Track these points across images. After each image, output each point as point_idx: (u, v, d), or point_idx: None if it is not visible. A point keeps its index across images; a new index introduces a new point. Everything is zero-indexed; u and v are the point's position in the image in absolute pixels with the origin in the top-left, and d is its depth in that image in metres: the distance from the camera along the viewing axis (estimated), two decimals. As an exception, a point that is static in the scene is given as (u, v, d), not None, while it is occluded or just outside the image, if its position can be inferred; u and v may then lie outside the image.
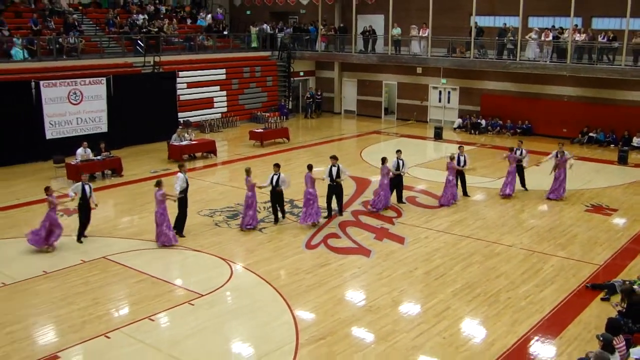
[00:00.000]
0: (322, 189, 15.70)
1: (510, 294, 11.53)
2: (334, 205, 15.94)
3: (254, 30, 32.57)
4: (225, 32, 32.11)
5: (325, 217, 15.63)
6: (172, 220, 14.16)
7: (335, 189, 15.69)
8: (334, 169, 15.53)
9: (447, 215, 16.17)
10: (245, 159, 22.77)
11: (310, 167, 15.39)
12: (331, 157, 15.77)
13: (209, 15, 32.24)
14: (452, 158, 17.36)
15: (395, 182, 16.83)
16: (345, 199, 16.93)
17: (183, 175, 14.50)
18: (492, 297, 11.41)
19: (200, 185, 18.92)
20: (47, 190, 13.81)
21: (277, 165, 15.29)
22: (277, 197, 15.30)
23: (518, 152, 17.95)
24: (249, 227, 14.85)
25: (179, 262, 13.17)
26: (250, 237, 14.43)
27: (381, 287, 11.81)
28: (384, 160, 16.58)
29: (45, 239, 13.48)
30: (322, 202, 15.68)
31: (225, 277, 12.17)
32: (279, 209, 15.47)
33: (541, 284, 12.00)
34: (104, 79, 23.08)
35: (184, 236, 14.40)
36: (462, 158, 17.49)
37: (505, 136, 27.20)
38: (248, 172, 15.15)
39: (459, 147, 18.18)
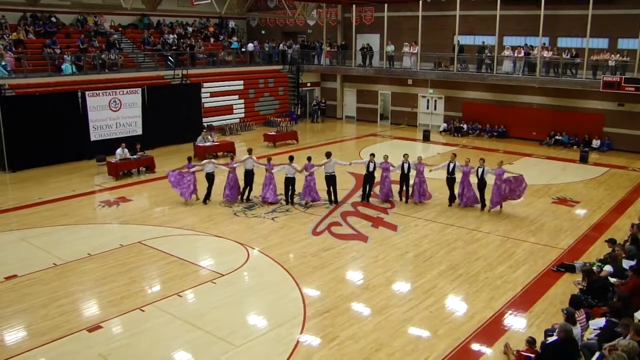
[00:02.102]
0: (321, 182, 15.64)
1: (488, 274, 11.47)
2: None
3: (282, 47, 32.44)
4: (244, 49, 31.96)
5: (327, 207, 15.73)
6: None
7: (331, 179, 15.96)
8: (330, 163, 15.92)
9: (433, 206, 16.07)
10: (260, 157, 22.62)
11: (309, 159, 16.02)
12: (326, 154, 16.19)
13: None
14: (419, 159, 16.07)
15: (369, 179, 16.10)
16: (344, 192, 16.92)
17: (251, 158, 16.06)
18: (472, 277, 11.35)
19: (221, 179, 18.76)
20: (190, 160, 16.10)
21: (291, 158, 16.11)
22: (291, 182, 15.81)
23: (479, 170, 15.24)
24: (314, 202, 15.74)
25: (203, 246, 13.16)
26: (264, 225, 14.39)
27: (377, 268, 11.77)
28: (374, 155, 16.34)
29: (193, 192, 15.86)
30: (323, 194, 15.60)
31: (242, 260, 12.15)
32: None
33: (514, 266, 11.93)
34: (140, 89, 23.02)
35: (250, 200, 16.07)
36: (406, 165, 15.94)
37: (484, 138, 27.04)
38: (309, 159, 15.95)
39: (404, 155, 16.17)
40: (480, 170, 15.20)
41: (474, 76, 26.61)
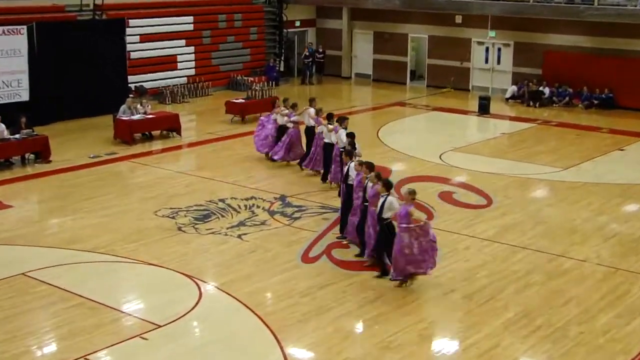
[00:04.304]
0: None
1: (584, 328, 11.43)
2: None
3: None
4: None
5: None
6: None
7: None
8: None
9: (495, 217, 16.08)
10: (220, 139, 22.67)
11: (341, 121, 17.36)
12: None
13: None
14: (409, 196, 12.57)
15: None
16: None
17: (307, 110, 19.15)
18: (559, 331, 11.30)
19: (158, 175, 18.85)
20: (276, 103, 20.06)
21: (329, 116, 18.06)
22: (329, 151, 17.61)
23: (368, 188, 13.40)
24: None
25: (128, 280, 13.08)
26: (227, 246, 14.33)
27: (404, 315, 11.71)
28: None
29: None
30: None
31: (191, 302, 12.05)
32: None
33: (627, 314, 11.87)
34: (25, 27, 22.92)
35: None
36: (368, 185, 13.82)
37: (578, 109, 27.10)
38: (341, 121, 17.35)
39: (364, 169, 13.88)
40: (369, 187, 13.31)
41: (562, 10, 26.65)
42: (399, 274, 12.55)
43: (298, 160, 19.32)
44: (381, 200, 12.77)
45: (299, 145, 19.46)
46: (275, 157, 19.53)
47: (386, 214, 12.68)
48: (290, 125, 19.24)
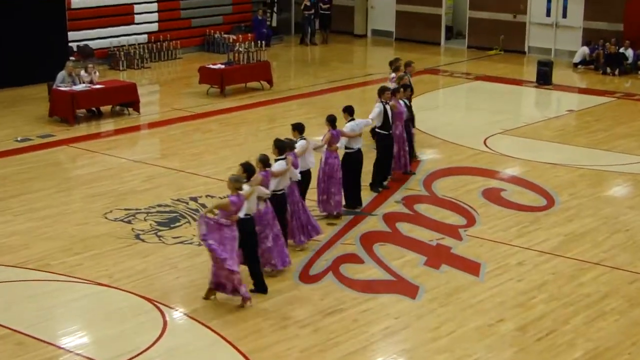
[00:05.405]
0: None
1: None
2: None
3: None
4: None
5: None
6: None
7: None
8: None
9: (559, 223, 16.08)
10: (191, 117, 22.65)
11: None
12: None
13: None
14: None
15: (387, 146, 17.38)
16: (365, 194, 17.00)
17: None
18: (644, 375, 11.35)
19: (108, 165, 18.86)
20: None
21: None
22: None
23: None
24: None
25: (68, 305, 13.05)
26: (201, 259, 14.29)
27: (437, 353, 11.70)
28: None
29: None
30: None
31: (152, 334, 12.05)
32: None
33: None
34: None
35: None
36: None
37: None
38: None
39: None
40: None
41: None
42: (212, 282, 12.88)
43: None
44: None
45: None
46: None
47: (241, 213, 12.85)
48: None
